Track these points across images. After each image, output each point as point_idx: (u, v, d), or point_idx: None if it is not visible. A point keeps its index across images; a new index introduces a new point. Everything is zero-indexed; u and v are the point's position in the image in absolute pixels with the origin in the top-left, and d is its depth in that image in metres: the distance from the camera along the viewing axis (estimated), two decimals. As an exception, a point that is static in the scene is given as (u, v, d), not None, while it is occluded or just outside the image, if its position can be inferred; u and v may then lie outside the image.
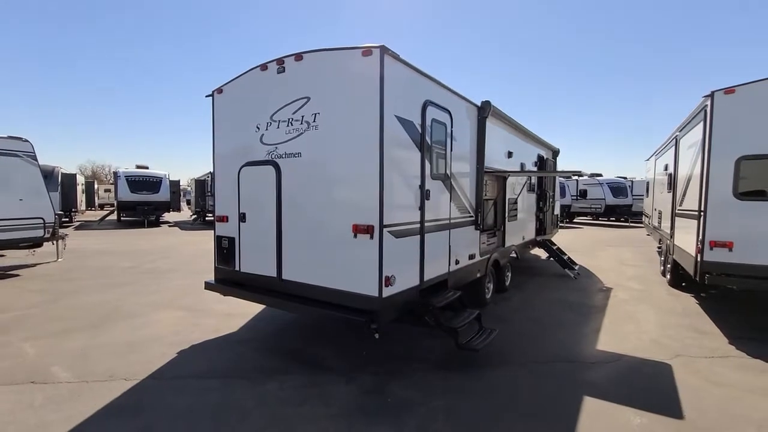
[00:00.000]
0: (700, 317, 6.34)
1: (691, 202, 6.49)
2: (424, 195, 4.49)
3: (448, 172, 5.07)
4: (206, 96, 5.41)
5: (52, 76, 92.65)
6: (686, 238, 6.72)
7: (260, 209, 4.80)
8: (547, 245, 9.81)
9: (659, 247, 10.60)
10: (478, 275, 6.25)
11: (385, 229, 3.89)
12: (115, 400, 3.62)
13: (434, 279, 4.83)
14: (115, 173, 24.97)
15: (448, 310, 5.09)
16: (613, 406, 3.61)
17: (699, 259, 5.76)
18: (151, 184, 24.06)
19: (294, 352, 4.79)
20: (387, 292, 3.93)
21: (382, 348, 4.88)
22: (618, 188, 26.56)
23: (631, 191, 26.14)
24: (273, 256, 4.67)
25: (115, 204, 24.55)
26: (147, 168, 25.65)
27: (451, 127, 5.10)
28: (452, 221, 5.25)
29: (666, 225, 8.96)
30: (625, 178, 27.92)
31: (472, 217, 5.92)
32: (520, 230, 8.39)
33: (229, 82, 5.15)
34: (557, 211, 12.39)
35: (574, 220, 27.99)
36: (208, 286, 5.33)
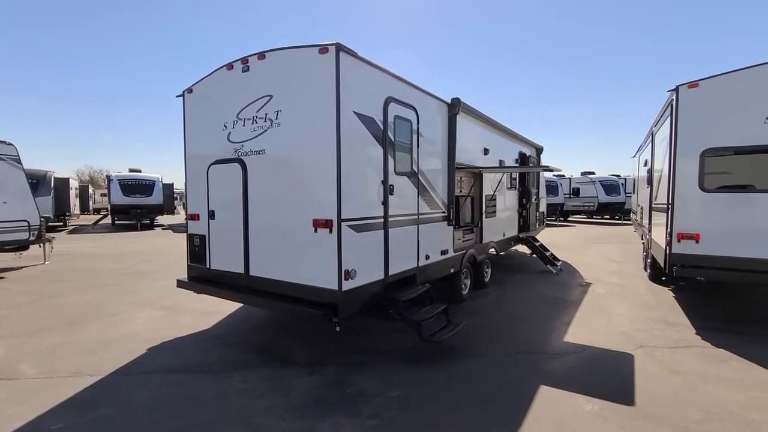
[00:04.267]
0: (673, 310, 6.40)
1: (663, 196, 6.56)
2: (388, 190, 4.56)
3: (415, 168, 5.14)
4: (177, 96, 5.48)
5: (47, 79, 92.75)
6: (659, 232, 6.79)
7: (228, 207, 4.86)
8: (530, 242, 9.87)
9: (643, 242, 10.67)
10: (452, 271, 6.32)
11: (344, 223, 3.95)
12: (76, 395, 3.68)
13: (401, 273, 4.89)
14: (108, 177, 25.05)
15: (417, 304, 5.16)
16: (568, 395, 3.67)
17: (668, 251, 5.82)
18: (144, 187, 24.09)
19: (263, 347, 4.85)
20: (347, 285, 3.99)
21: (350, 342, 4.94)
22: (611, 186, 26.66)
23: (624, 189, 26.24)
24: (240, 253, 4.73)
25: (109, 208, 24.61)
26: (140, 171, 25.70)
27: (418, 123, 5.17)
28: (421, 217, 5.32)
29: (646, 220, 9.04)
30: (618, 176, 28.03)
31: (444, 212, 5.99)
32: (499, 227, 8.45)
33: (199, 81, 5.22)
34: (543, 208, 12.47)
35: (569, 219, 28.08)
36: (180, 283, 5.39)
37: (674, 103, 5.73)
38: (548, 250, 10.13)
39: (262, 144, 4.53)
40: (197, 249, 5.35)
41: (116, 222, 24.54)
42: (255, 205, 4.64)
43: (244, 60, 4.62)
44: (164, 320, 5.90)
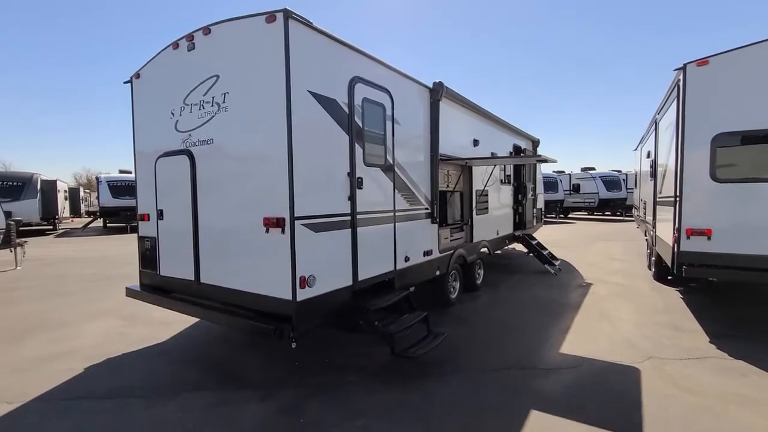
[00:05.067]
0: (682, 313, 5.80)
1: (668, 189, 5.97)
2: (356, 183, 3.98)
3: (390, 159, 4.55)
4: (125, 82, 4.90)
5: (44, 80, 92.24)
6: (665, 228, 6.19)
7: (177, 205, 4.28)
8: (527, 240, 9.28)
9: (646, 238, 10.07)
10: (438, 273, 5.73)
11: (298, 222, 3.37)
12: (-20, 428, 3.11)
13: (374, 278, 4.31)
14: (97, 178, 24.50)
15: (396, 312, 4.58)
16: (563, 423, 3.09)
17: (676, 249, 5.23)
18: (134, 188, 23.49)
19: (220, 364, 4.27)
20: (304, 294, 3.41)
21: (320, 356, 4.36)
22: (612, 182, 26.03)
23: (625, 184, 25.59)
24: (190, 258, 4.15)
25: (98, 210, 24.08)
26: (131, 172, 25.14)
27: (393, 109, 4.59)
28: (399, 214, 4.73)
29: (650, 215, 8.44)
30: (619, 171, 27.38)
31: (427, 209, 5.40)
32: (492, 224, 7.86)
33: (146, 64, 4.65)
34: (540, 204, 11.86)
35: (569, 216, 27.45)
36: (129, 292, 4.82)
37: (681, 83, 5.13)
38: (546, 249, 9.54)
39: (209, 132, 3.95)
40: (148, 253, 4.78)
41: (108, 225, 24.00)
42: (204, 202, 4.06)
43: (189, 37, 4.04)
44: (118, 332, 5.32)
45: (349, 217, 3.94)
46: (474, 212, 6.96)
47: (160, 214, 4.49)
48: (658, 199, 7.23)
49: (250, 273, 3.69)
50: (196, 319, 5.60)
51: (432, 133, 5.45)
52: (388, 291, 4.57)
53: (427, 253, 5.38)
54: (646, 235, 9.92)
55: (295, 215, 3.34)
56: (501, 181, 8.40)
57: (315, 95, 3.53)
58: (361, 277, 4.07)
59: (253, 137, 3.60)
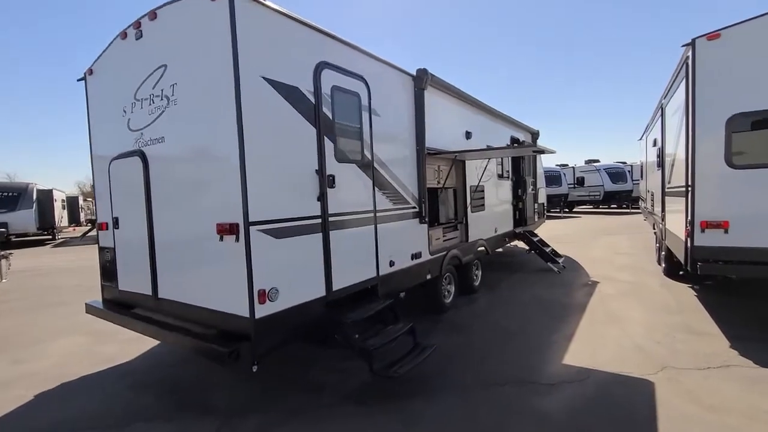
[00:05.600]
0: (697, 313, 5.31)
1: (679, 178, 5.48)
2: (326, 182, 3.54)
3: (367, 154, 4.11)
4: (78, 80, 4.50)
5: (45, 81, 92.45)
6: (676, 220, 5.70)
7: (131, 212, 3.87)
8: (528, 237, 8.80)
9: (655, 231, 9.55)
10: (429, 277, 5.28)
11: (254, 228, 2.94)
12: None
13: (352, 287, 3.87)
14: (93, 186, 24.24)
15: (380, 322, 4.14)
16: (565, 453, 2.64)
17: (689, 244, 4.74)
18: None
19: (180, 387, 3.85)
20: (264, 310, 2.98)
21: (294, 374, 3.94)
22: (617, 174, 25.40)
23: (631, 176, 24.94)
24: (147, 270, 3.74)
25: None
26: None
27: (369, 99, 4.14)
28: (381, 214, 4.29)
29: (658, 207, 7.94)
30: (624, 163, 26.74)
31: (414, 208, 4.95)
32: (490, 222, 7.39)
33: (98, 58, 4.24)
34: (542, 199, 11.37)
35: (573, 210, 26.84)
36: (89, 309, 4.41)
37: (690, 60, 4.64)
38: (548, 246, 9.06)
39: (160, 130, 3.53)
40: (108, 265, 4.38)
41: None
42: (159, 208, 3.65)
43: (137, 24, 3.63)
44: (85, 350, 4.93)
45: (319, 220, 3.50)
46: (469, 210, 6.50)
47: (115, 223, 4.09)
48: (666, 190, 6.73)
49: (207, 287, 3.27)
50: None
51: (417, 125, 5.00)
52: (370, 299, 4.14)
53: (415, 256, 4.94)
54: (654, 228, 9.41)
55: (250, 220, 2.91)
56: (499, 175, 7.93)
57: (272, 82, 3.10)
58: (336, 287, 3.64)
59: (202, 132, 3.18)
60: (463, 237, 6.46)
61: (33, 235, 22.88)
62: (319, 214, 3.50)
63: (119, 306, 4.22)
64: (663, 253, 7.55)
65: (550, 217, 21.09)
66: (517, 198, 9.10)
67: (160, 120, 3.50)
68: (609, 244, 11.87)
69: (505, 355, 4.27)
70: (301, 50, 3.41)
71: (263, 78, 3.03)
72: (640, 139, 12.64)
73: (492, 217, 7.48)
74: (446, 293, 5.91)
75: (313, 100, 3.46)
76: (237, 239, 2.93)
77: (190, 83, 3.23)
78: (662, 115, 7.06)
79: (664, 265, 7.56)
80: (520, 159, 9.18)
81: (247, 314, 2.92)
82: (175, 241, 3.54)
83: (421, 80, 4.95)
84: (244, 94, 2.86)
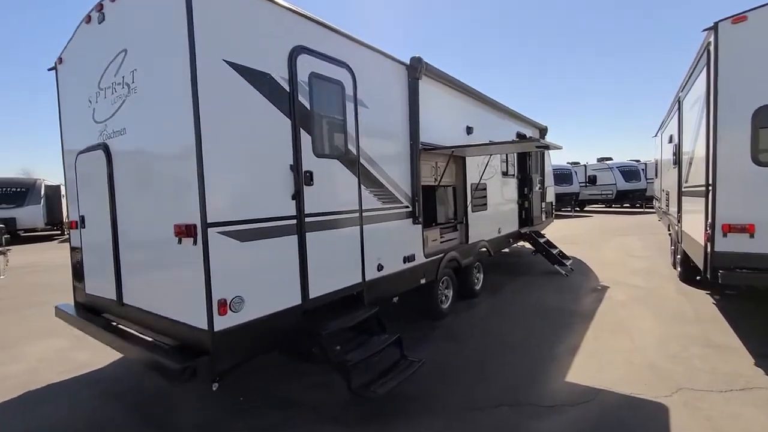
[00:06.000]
0: (717, 324, 4.87)
1: (697, 176, 5.03)
2: (302, 178, 3.21)
3: (352, 148, 3.77)
4: (49, 69, 4.24)
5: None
6: (694, 222, 5.25)
7: (96, 210, 3.59)
8: (534, 238, 8.37)
9: (670, 233, 9.05)
10: (424, 281, 4.92)
11: (214, 230, 2.62)
12: None
13: (334, 293, 3.54)
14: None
15: (365, 332, 3.82)
16: (563, 494, 2.27)
17: (709, 249, 4.31)
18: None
19: (148, 399, 3.57)
20: (225, 322, 2.67)
21: (271, 388, 3.63)
22: (630, 172, 24.61)
23: (645, 175, 24.15)
24: (112, 274, 3.46)
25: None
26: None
27: (355, 88, 3.80)
28: (368, 214, 3.95)
29: (674, 208, 7.45)
30: (638, 161, 25.93)
31: (407, 207, 4.60)
32: (493, 222, 7.00)
33: (66, 45, 3.97)
34: (551, 198, 10.89)
35: (585, 209, 26.13)
36: (58, 313, 4.16)
37: (712, 47, 4.19)
38: (556, 247, 8.63)
39: (122, 121, 3.24)
40: (78, 266, 4.12)
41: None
42: (122, 206, 3.36)
43: (99, 6, 3.34)
44: (60, 355, 4.70)
45: (294, 221, 3.17)
46: (469, 209, 6.12)
47: (81, 221, 3.82)
48: (683, 189, 6.26)
49: (168, 294, 2.98)
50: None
51: (411, 118, 4.64)
52: (354, 307, 3.81)
53: (408, 259, 4.59)
54: (669, 230, 8.90)
55: (209, 221, 2.59)
56: (503, 173, 7.52)
57: (237, 67, 2.77)
58: (313, 294, 3.31)
59: (159, 122, 2.87)
60: (463, 238, 6.08)
61: (41, 231, 23.05)
62: (294, 214, 3.18)
63: (89, 310, 3.97)
64: (679, 256, 7.07)
65: (560, 217, 20.53)
66: (523, 197, 8.68)
67: (122, 110, 3.20)
68: (621, 245, 11.35)
69: (502, 370, 3.90)
70: (273, 32, 3.07)
71: (226, 62, 2.70)
72: (655, 135, 12.08)
73: (495, 216, 7.09)
74: (443, 298, 5.56)
75: (287, 88, 3.13)
76: (194, 242, 2.62)
77: (148, 68, 2.92)
78: (679, 109, 6.58)
79: (679, 269, 7.09)
80: (527, 156, 8.75)
81: (205, 326, 2.61)
82: (138, 242, 3.25)
83: (416, 69, 4.59)
84: (201, 78, 2.54)
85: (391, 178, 4.35)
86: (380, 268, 4.13)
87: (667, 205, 8.71)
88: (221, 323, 2.63)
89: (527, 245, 8.99)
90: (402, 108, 4.57)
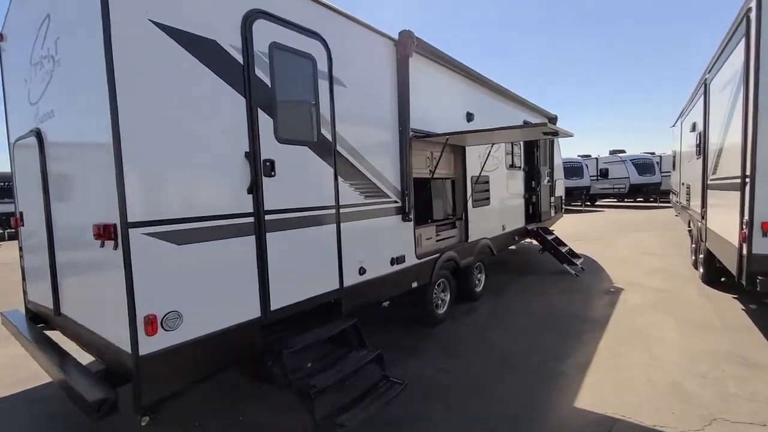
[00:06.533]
0: (750, 335, 4.28)
1: (729, 167, 4.41)
2: (261, 168, 2.70)
3: (326, 133, 3.24)
4: (-9, 47, 3.77)
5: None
6: (723, 219, 4.64)
7: (33, 205, 3.14)
8: (542, 235, 7.78)
9: (690, 229, 8.38)
10: (416, 284, 4.41)
11: (138, 230, 2.13)
12: None
13: (303, 303, 3.04)
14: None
15: (344, 346, 3.32)
16: None
17: (744, 251, 3.71)
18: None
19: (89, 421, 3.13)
20: (155, 344, 2.18)
21: (232, 413, 3.16)
22: (644, 165, 23.66)
23: (660, 168, 23.22)
24: (48, 280, 3.00)
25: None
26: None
27: (330, 64, 3.26)
28: (346, 210, 3.44)
29: (696, 202, 6.80)
30: (652, 153, 24.96)
31: (396, 203, 4.08)
32: (496, 218, 6.44)
33: (5, 19, 3.49)
34: (560, 192, 10.25)
35: (596, 203, 25.29)
36: (3, 320, 3.73)
37: (753, 13, 3.57)
38: (565, 245, 8.03)
39: (50, 101, 2.76)
40: (22, 270, 3.68)
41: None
42: (56, 201, 2.89)
43: (25, -34, 2.85)
44: (13, 364, 4.27)
45: (251, 219, 2.67)
46: (470, 204, 5.56)
47: (21, 219, 3.37)
48: (709, 182, 5.63)
49: (96, 307, 2.51)
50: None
51: (401, 101, 4.09)
52: (329, 318, 3.31)
53: (396, 261, 4.07)
54: (690, 226, 8.23)
55: (131, 220, 2.09)
56: (508, 165, 6.94)
57: (170, 31, 2.26)
58: (276, 305, 2.81)
59: (79, 99, 2.38)
60: (463, 236, 5.54)
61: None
62: (251, 210, 2.67)
63: (33, 319, 3.53)
64: (701, 255, 6.45)
65: (571, 211, 19.81)
66: (531, 191, 8.09)
67: (50, 88, 2.72)
68: (635, 242, 10.68)
69: (499, 390, 3.38)
70: (221, -9, 2.55)
71: (154, 23, 2.19)
72: (674, 125, 11.33)
73: (499, 212, 6.52)
74: (439, 303, 5.03)
75: (240, 59, 2.61)
76: (115, 246, 2.13)
77: (68, 34, 2.43)
78: (705, 92, 5.92)
79: (702, 270, 6.46)
80: (535, 147, 8.14)
81: (128, 348, 2.13)
82: (70, 244, 2.78)
83: (405, 46, 4.03)
84: (118, 42, 2.03)
85: (376, 169, 3.82)
86: (362, 271, 3.62)
87: (688, 200, 8.04)
88: (149, 345, 2.14)
89: (535, 242, 8.41)
90: (390, 89, 4.03)
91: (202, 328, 2.39)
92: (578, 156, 25.06)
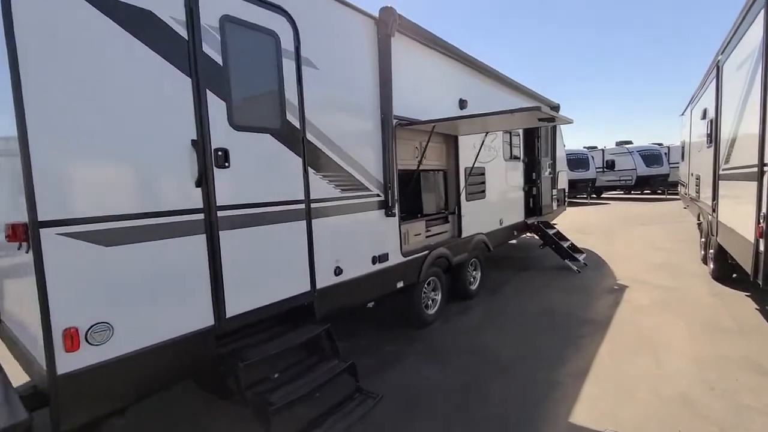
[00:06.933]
0: (764, 337, 3.92)
1: (744, 155, 4.03)
2: (212, 158, 2.39)
3: (292, 119, 2.92)
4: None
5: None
6: (737, 212, 4.27)
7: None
8: (542, 229, 7.42)
9: (699, 223, 7.98)
10: (402, 284, 4.10)
11: (51, 230, 1.83)
12: None
13: (268, 308, 2.74)
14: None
15: (315, 354, 3.03)
16: None
17: (762, 246, 3.35)
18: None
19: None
20: (77, 361, 1.89)
21: (194, 422, 2.88)
22: (651, 156, 23.06)
23: (668, 159, 22.63)
24: (-14, 282, 2.73)
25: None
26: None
27: (297, 42, 2.93)
28: (318, 205, 3.12)
29: (706, 194, 6.40)
30: (660, 144, 24.33)
31: (377, 196, 3.76)
32: (493, 212, 6.10)
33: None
34: (563, 184, 9.85)
35: (602, 196, 24.76)
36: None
37: (774, -19, 3.17)
38: (567, 240, 7.67)
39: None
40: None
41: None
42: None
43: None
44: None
45: (200, 216, 2.37)
46: (463, 197, 5.23)
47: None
48: (721, 172, 5.24)
49: (22, 317, 2.22)
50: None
51: (382, 85, 3.75)
52: (300, 323, 3.01)
53: (379, 259, 3.76)
54: (699, 219, 7.83)
55: (42, 218, 1.80)
56: (507, 156, 6.58)
57: (93, -2, 1.94)
58: (233, 312, 2.52)
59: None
60: (456, 232, 5.22)
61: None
62: (200, 206, 2.37)
63: None
64: (711, 250, 6.07)
65: (575, 204, 19.38)
66: (531, 183, 7.72)
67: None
68: (641, 236, 10.27)
69: (488, 402, 3.07)
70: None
71: (64, -15, 1.87)
72: (683, 114, 10.86)
73: (496, 206, 6.18)
74: (429, 303, 4.72)
75: (184, 34, 2.29)
76: (28, 249, 1.84)
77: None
78: (718, 75, 5.50)
79: (712, 265, 6.09)
80: (536, 137, 7.75)
81: (43, 367, 1.84)
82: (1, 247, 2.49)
83: (386, 24, 3.68)
84: (21, 12, 1.72)
85: (355, 160, 3.49)
86: (339, 272, 3.31)
87: (697, 192, 7.63)
88: (69, 363, 1.86)
89: (537, 237, 8.05)
90: (370, 73, 3.69)
91: (138, 341, 2.09)
92: (584, 147, 24.50)
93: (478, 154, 5.21)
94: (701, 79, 7.33)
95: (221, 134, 2.44)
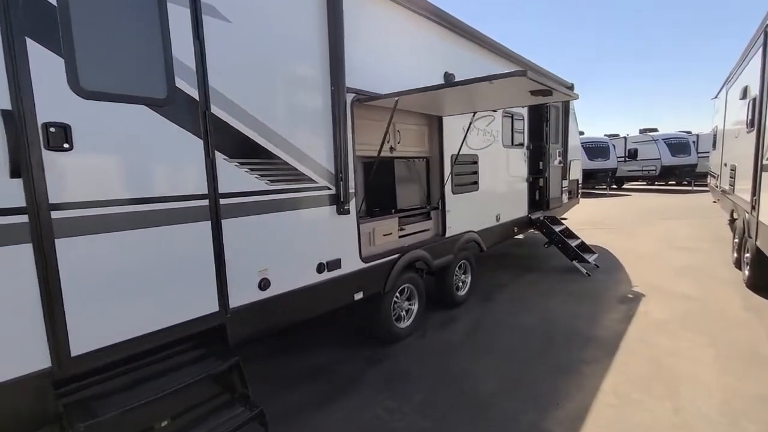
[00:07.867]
0: (820, 375, 3.07)
1: (801, 139, 3.12)
2: (42, 137, 1.70)
3: (185, 87, 2.18)
4: None
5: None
6: (788, 213, 3.37)
7: None
8: (547, 226, 6.56)
9: (732, 220, 6.98)
10: (360, 296, 3.37)
11: None
12: None
13: (153, 336, 2.07)
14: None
15: (226, 392, 2.36)
16: None
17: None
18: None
19: None
20: None
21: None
22: (678, 145, 21.50)
23: (696, 148, 21.06)
24: None
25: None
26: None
27: (195, -18, 2.18)
28: (230, 201, 2.41)
29: (743, 187, 5.44)
30: (688, 132, 22.69)
31: (326, 189, 3.02)
32: (487, 206, 5.30)
33: None
34: (576, 175, 8.89)
35: (623, 186, 23.35)
36: None
37: None
38: (577, 237, 6.80)
39: None
40: None
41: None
42: None
43: None
44: None
45: (23, 218, 1.69)
46: (449, 189, 4.45)
47: None
48: (765, 162, 4.30)
49: None
50: None
51: (333, 48, 2.98)
52: (204, 354, 2.34)
53: (327, 267, 3.04)
54: (732, 216, 6.83)
55: None
56: (507, 143, 5.72)
57: None
58: (81, 349, 1.84)
59: None
60: (439, 230, 4.45)
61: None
62: (21, 204, 1.68)
63: None
64: (747, 254, 5.15)
65: (593, 195, 18.23)
66: (537, 173, 6.84)
67: None
68: (664, 232, 9.25)
69: (449, 459, 2.35)
70: None
71: None
72: (715, 97, 9.67)
73: (491, 199, 5.37)
74: (403, 314, 4.00)
75: (-17, -47, 1.57)
76: None
77: None
78: (765, 44, 4.51)
79: (747, 272, 5.17)
80: (544, 122, 6.84)
81: None
82: None
83: (336, -31, 2.88)
84: None
85: (291, 143, 2.75)
86: (265, 285, 2.61)
87: (731, 184, 6.61)
88: None
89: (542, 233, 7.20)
90: (314, 31, 2.91)
91: None
92: (605, 136, 23.06)
93: (465, 138, 4.39)
94: (741, 53, 6.26)
95: (57, 103, 1.74)
